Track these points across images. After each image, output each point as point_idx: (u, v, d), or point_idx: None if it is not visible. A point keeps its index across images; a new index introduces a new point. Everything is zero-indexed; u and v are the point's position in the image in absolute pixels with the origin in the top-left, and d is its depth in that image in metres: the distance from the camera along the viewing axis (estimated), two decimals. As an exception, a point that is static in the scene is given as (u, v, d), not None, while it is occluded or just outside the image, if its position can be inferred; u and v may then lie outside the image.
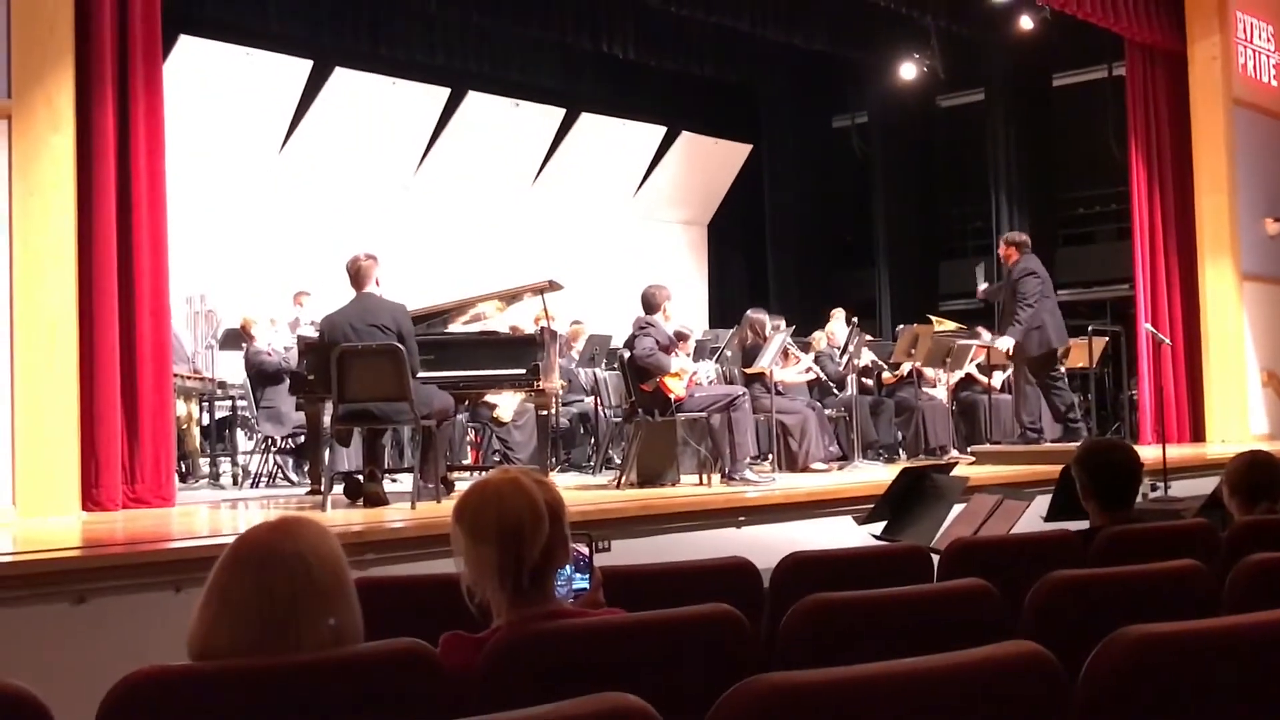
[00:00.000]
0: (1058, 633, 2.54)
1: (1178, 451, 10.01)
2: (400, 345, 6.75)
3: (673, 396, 8.21)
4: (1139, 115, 13.04)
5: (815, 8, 13.86)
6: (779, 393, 9.71)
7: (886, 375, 11.42)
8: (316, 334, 7.92)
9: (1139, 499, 4.13)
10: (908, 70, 15.06)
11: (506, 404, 10.05)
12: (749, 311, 9.93)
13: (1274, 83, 13.60)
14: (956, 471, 6.13)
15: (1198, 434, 12.90)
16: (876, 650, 2.01)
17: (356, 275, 7.07)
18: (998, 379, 11.75)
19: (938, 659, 1.83)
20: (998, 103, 16.38)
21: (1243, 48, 13.15)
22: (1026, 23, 13.25)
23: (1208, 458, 10.13)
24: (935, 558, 3.63)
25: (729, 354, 10.64)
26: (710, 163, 17.44)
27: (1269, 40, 13.54)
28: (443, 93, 14.55)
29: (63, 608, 4.50)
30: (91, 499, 6.75)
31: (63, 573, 4.59)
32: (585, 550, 2.63)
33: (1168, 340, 12.09)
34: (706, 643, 2.35)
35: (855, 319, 11.19)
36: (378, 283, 7.09)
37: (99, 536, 5.76)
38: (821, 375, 10.69)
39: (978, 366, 11.69)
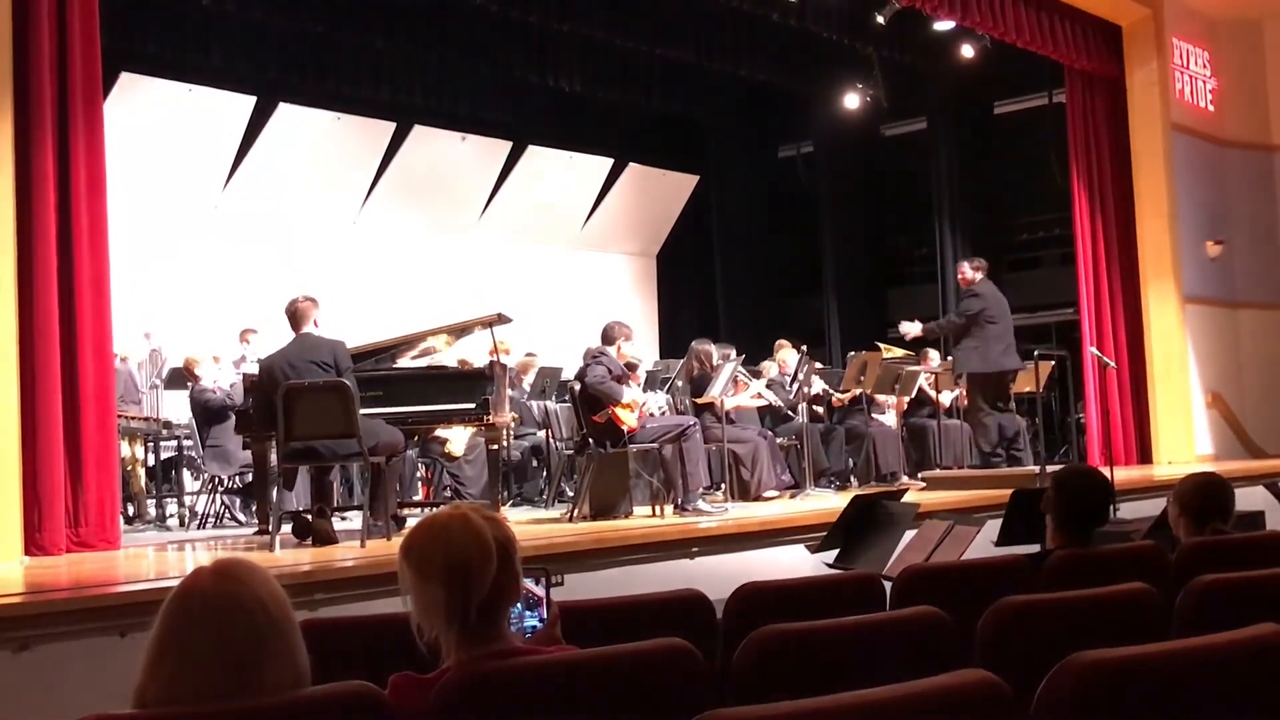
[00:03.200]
0: (1010, 658, 2.55)
1: (1125, 474, 10.11)
2: (346, 381, 6.68)
3: (625, 428, 8.19)
4: (1079, 141, 13.22)
5: (759, 40, 13.95)
6: (730, 421, 9.72)
7: (836, 397, 11.46)
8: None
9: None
10: (851, 100, 15.18)
11: (458, 438, 9.99)
12: (694, 343, 9.93)
13: (1211, 108, 13.83)
14: (907, 498, 6.15)
15: (1144, 456, 13.04)
16: (830, 681, 2.00)
17: (294, 316, 7.02)
18: (946, 398, 11.80)
19: (891, 690, 1.83)
20: (940, 131, 16.55)
21: (1180, 74, 13.37)
22: (968, 51, 13.38)
23: (1155, 479, 10.23)
24: (888, 585, 3.63)
25: (679, 384, 10.65)
26: (658, 194, 17.49)
27: (1205, 66, 13.78)
28: (389, 127, 14.52)
29: (4, 656, 4.40)
30: (35, 543, 6.63)
31: (4, 620, 4.49)
32: (537, 588, 2.61)
33: (1113, 363, 12.22)
34: (659, 678, 2.32)
35: (805, 347, 11.21)
36: (316, 324, 7.03)
37: (42, 582, 5.65)
38: (774, 400, 10.70)
39: (926, 382, 11.72)
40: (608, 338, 8.58)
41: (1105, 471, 8.74)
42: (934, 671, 1.94)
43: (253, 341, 10.79)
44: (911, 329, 10.85)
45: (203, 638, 1.94)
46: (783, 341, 12.01)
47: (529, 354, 11.95)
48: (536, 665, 2.25)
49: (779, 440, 10.39)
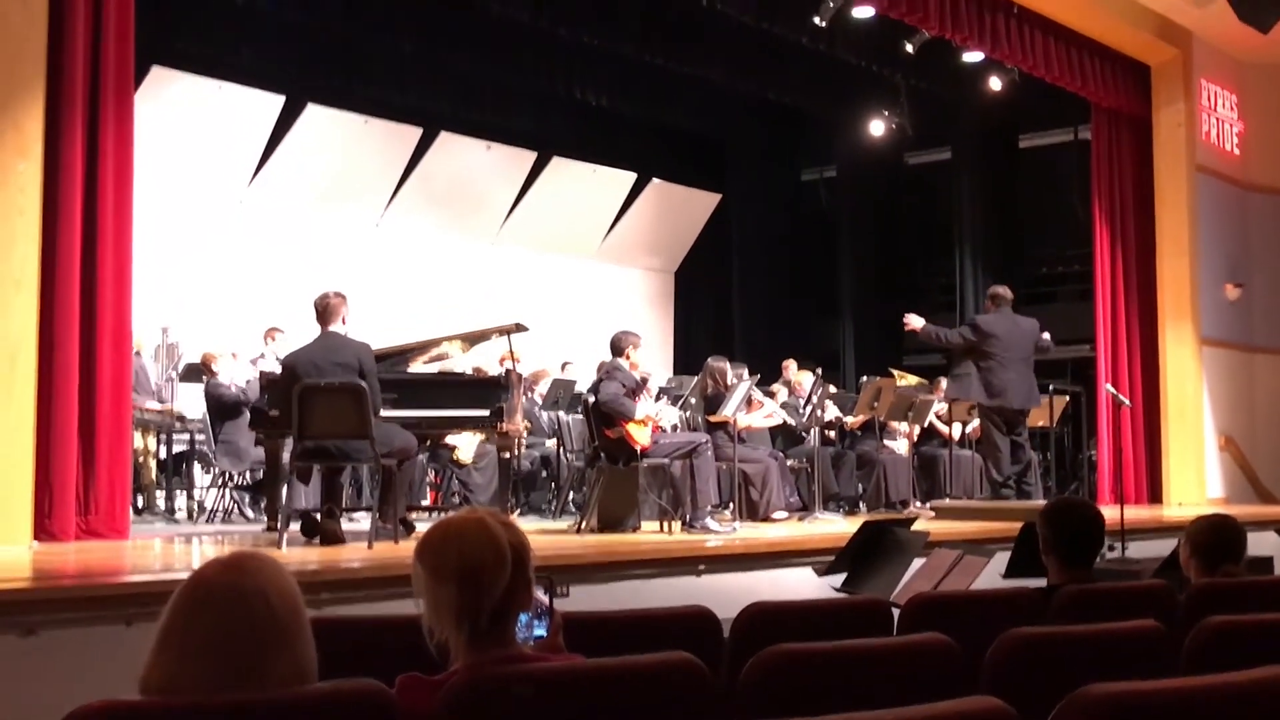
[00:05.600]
0: (1017, 689, 2.54)
1: (1135, 513, 10.05)
2: (363, 383, 6.69)
3: (638, 447, 8.16)
4: (1103, 178, 13.21)
5: (787, 62, 13.98)
6: (742, 440, 9.70)
7: (848, 422, 11.44)
8: (279, 370, 7.84)
9: (1097, 559, 4.13)
10: (877, 127, 15.21)
11: (465, 445, 9.99)
12: (709, 360, 9.91)
13: (1236, 150, 13.81)
14: (917, 526, 6.13)
15: (1155, 496, 13.00)
16: (836, 702, 2.00)
17: (324, 312, 6.99)
18: (957, 430, 11.77)
19: (900, 712, 1.82)
20: (964, 161, 16.55)
21: (1206, 115, 13.36)
22: (995, 83, 13.39)
23: (1165, 520, 10.19)
24: (895, 611, 3.63)
25: (693, 401, 10.64)
26: (679, 211, 17.51)
27: (1232, 109, 13.76)
28: (415, 132, 14.56)
29: (10, 640, 4.41)
30: (44, 529, 6.66)
31: (11, 604, 4.50)
32: (544, 596, 2.61)
33: (1128, 401, 12.17)
34: (666, 691, 2.32)
35: (819, 370, 11.19)
36: (344, 321, 7.02)
37: (50, 568, 5.67)
38: (789, 420, 10.70)
39: (937, 415, 11.70)
40: (617, 349, 8.52)
41: (1115, 510, 8.75)
42: (940, 698, 1.94)
43: (278, 340, 10.79)
44: (915, 322, 10.60)
45: (203, 627, 1.95)
46: (789, 361, 11.97)
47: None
48: (546, 672, 2.25)
49: (789, 462, 10.38)
